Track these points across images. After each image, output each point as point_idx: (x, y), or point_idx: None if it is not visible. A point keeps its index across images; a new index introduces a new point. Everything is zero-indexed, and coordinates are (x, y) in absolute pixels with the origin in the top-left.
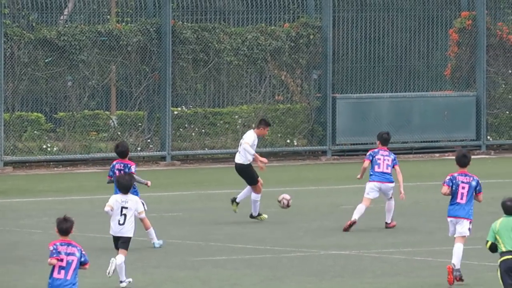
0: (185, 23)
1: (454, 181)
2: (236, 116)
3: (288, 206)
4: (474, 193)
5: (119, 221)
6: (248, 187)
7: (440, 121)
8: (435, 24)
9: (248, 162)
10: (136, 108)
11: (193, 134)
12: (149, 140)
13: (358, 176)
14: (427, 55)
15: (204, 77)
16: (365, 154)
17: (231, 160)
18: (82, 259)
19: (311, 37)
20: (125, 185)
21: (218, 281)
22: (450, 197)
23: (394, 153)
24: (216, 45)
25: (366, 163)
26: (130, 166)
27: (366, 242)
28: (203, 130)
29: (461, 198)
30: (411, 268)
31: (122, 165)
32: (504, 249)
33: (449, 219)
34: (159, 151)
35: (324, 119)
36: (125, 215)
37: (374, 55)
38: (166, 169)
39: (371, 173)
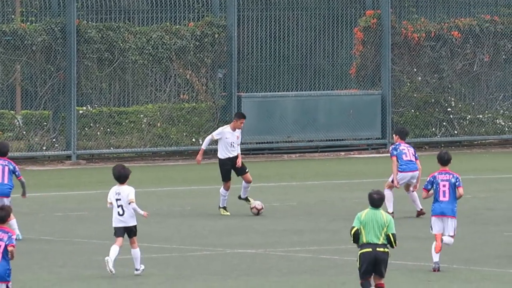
0: (89, 22)
1: (434, 181)
2: (142, 115)
3: (258, 214)
4: (456, 190)
5: (118, 212)
6: (243, 181)
7: (346, 120)
8: (340, 22)
9: (222, 157)
10: (41, 108)
11: (98, 133)
12: (54, 140)
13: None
14: (332, 53)
15: (109, 76)
16: (271, 153)
17: (137, 159)
18: (7, 242)
19: (216, 36)
20: (118, 176)
21: (124, 280)
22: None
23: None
24: (121, 44)
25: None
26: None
27: (272, 241)
28: (108, 129)
29: (444, 196)
30: (317, 267)
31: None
32: (364, 241)
33: (433, 217)
34: (64, 150)
35: (229, 118)
36: (121, 206)
37: (279, 54)
38: (72, 168)
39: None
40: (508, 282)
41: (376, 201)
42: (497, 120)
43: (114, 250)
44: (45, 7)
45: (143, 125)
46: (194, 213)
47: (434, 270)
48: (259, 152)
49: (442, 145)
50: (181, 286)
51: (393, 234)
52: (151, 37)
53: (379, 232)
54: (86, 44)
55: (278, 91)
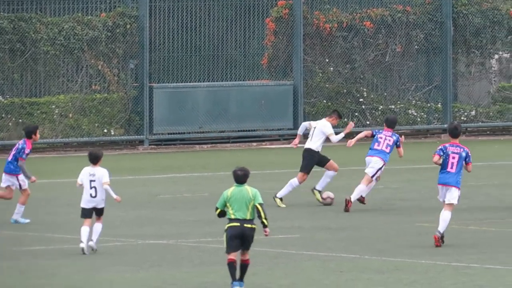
0: (1, 13)
1: (444, 151)
2: (53, 106)
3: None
4: (464, 163)
5: (91, 194)
6: (327, 172)
7: (258, 111)
8: (252, 13)
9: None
10: None
11: (10, 124)
12: None
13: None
14: (244, 44)
15: (21, 67)
16: (183, 144)
17: (49, 150)
18: None
19: (128, 26)
20: (95, 156)
21: (36, 271)
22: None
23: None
24: (33, 35)
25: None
26: None
27: (184, 232)
28: (20, 120)
29: (451, 167)
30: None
31: None
32: (232, 216)
33: (439, 186)
34: None
35: (141, 108)
36: (95, 187)
37: (191, 44)
38: None
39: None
40: (421, 273)
41: (240, 177)
42: (409, 110)
43: (85, 231)
44: None
45: (54, 116)
46: (106, 203)
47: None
48: (171, 143)
49: (354, 135)
50: (92, 277)
51: (260, 204)
52: (63, 27)
53: (246, 207)
54: None
55: (190, 82)
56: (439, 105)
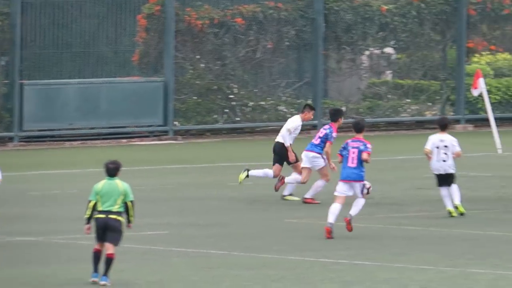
0: None
1: (346, 147)
2: None
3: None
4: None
5: None
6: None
7: (128, 107)
8: (124, 9)
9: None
10: None
11: None
12: None
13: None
14: (115, 41)
15: None
16: (53, 141)
17: None
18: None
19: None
20: None
21: None
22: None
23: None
24: None
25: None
26: None
27: (52, 229)
28: None
29: (352, 162)
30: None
31: None
32: (100, 209)
33: (341, 182)
34: None
35: (11, 105)
36: None
37: (62, 41)
38: None
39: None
40: (289, 269)
41: (112, 170)
42: (279, 106)
43: None
44: None
45: None
46: None
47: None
48: (41, 139)
49: (224, 131)
50: None
51: (131, 201)
52: None
53: (114, 200)
54: None
55: (60, 79)
56: (309, 102)
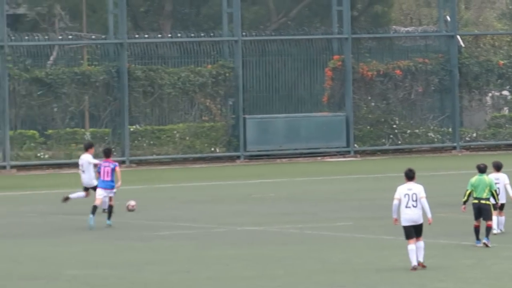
0: (137, 65)
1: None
2: (175, 132)
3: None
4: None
5: None
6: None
7: (321, 134)
8: (315, 64)
9: None
10: (104, 126)
11: (144, 144)
12: (113, 149)
13: None
14: (310, 87)
15: (151, 104)
16: (268, 158)
17: (173, 163)
18: None
19: (227, 75)
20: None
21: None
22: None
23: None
24: (159, 81)
25: None
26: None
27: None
28: (151, 142)
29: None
30: None
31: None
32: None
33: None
34: (120, 157)
35: (237, 133)
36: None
37: (272, 87)
38: (125, 170)
39: None
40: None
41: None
42: (429, 133)
43: None
44: (104, 55)
45: (176, 139)
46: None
47: None
48: (259, 157)
49: (390, 151)
50: None
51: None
52: (180, 75)
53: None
54: (134, 81)
55: (272, 114)
56: (449, 130)
